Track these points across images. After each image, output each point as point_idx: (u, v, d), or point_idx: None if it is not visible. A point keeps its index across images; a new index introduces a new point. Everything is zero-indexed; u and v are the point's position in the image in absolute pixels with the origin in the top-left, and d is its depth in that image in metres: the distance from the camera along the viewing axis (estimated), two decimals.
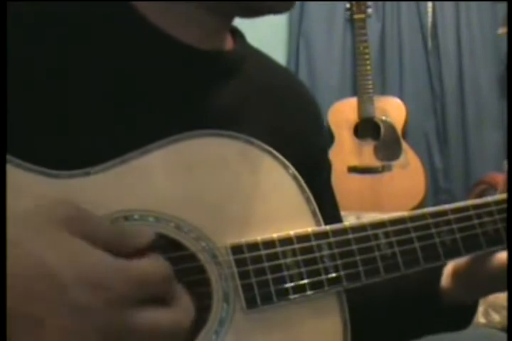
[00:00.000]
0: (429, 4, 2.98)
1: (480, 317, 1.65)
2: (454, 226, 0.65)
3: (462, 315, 0.75)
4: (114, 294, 0.44)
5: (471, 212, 0.67)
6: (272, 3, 0.62)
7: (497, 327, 1.60)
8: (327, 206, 0.78)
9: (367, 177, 2.76)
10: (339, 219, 0.80)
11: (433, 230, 0.64)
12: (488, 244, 0.67)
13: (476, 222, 0.67)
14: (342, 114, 2.83)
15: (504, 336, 0.85)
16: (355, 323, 0.61)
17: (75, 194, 0.53)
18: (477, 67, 2.90)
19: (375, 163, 2.78)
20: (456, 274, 0.73)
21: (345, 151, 2.79)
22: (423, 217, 0.64)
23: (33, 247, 0.43)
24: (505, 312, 1.61)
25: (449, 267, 0.73)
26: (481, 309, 1.64)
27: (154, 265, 0.47)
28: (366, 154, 2.79)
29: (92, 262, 0.44)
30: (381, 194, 2.73)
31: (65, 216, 0.45)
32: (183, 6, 0.63)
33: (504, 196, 0.69)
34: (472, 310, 0.75)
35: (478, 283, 0.71)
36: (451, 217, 0.66)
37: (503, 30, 2.66)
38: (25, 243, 0.43)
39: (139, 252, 0.47)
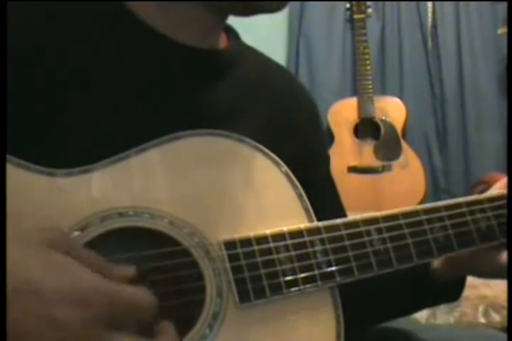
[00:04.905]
0: (429, 4, 2.98)
1: (480, 317, 1.64)
2: (447, 222, 0.66)
3: (452, 289, 0.77)
4: (96, 313, 0.44)
5: (464, 209, 0.68)
6: (265, 2, 0.62)
7: (497, 327, 1.60)
8: (328, 198, 0.79)
9: (367, 177, 2.75)
10: (341, 210, 0.82)
11: (426, 226, 0.65)
12: (481, 241, 0.68)
13: (469, 218, 0.67)
14: (342, 114, 2.83)
15: (504, 336, 0.85)
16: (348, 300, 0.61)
17: (72, 192, 0.54)
18: (477, 67, 2.89)
19: (375, 163, 2.77)
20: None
21: (345, 151, 2.78)
22: (416, 213, 0.65)
23: (21, 264, 0.43)
24: (505, 312, 1.60)
25: None
26: (481, 309, 1.63)
27: (141, 293, 0.48)
28: (366, 154, 2.79)
29: (79, 279, 0.45)
30: (381, 194, 2.72)
31: (49, 238, 0.46)
32: (180, 5, 0.63)
33: (496, 193, 0.70)
34: (461, 283, 0.76)
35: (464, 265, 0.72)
36: (444, 213, 0.66)
37: (503, 30, 2.66)
38: (14, 260, 0.43)
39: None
